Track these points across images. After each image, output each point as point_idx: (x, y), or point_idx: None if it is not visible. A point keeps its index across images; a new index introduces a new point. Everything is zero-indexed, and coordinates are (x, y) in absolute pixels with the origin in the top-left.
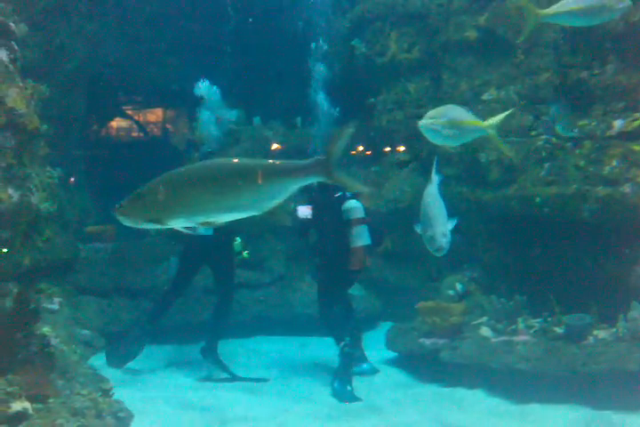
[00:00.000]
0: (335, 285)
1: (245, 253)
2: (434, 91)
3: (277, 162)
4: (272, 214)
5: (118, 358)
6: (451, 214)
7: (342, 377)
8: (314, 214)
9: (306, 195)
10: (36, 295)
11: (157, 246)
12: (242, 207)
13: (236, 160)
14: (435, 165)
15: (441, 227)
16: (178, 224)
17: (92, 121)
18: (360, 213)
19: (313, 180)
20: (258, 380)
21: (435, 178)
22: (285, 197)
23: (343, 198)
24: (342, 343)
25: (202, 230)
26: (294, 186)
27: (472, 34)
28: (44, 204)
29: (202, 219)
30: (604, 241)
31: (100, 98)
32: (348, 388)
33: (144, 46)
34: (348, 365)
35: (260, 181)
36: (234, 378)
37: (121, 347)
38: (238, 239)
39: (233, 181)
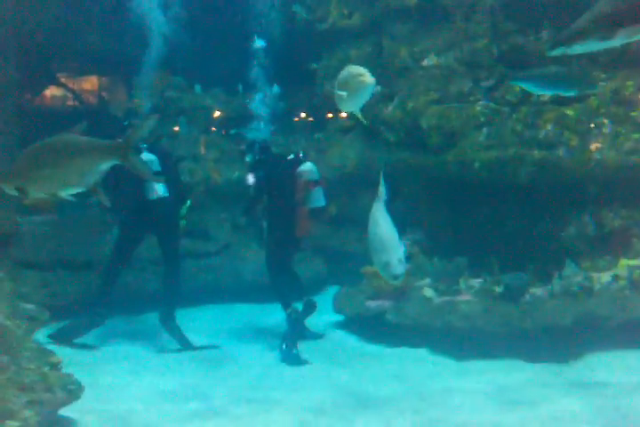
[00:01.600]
0: (284, 249)
1: (183, 221)
2: (375, 57)
3: (89, 142)
4: (95, 192)
5: (65, 336)
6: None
7: (289, 341)
8: (265, 179)
9: (256, 159)
10: None
11: (100, 217)
12: (66, 182)
13: (66, 137)
14: (382, 179)
15: (396, 252)
16: (36, 194)
17: (27, 90)
18: (315, 176)
19: (111, 162)
20: (209, 347)
21: (382, 193)
22: (95, 174)
23: (297, 161)
24: (289, 309)
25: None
26: (97, 166)
27: (412, 0)
28: None
29: (49, 190)
30: (539, 203)
31: (34, 65)
32: (294, 351)
33: (80, 9)
34: (294, 329)
35: (69, 160)
36: (187, 346)
37: (71, 330)
38: (186, 206)
39: (55, 158)
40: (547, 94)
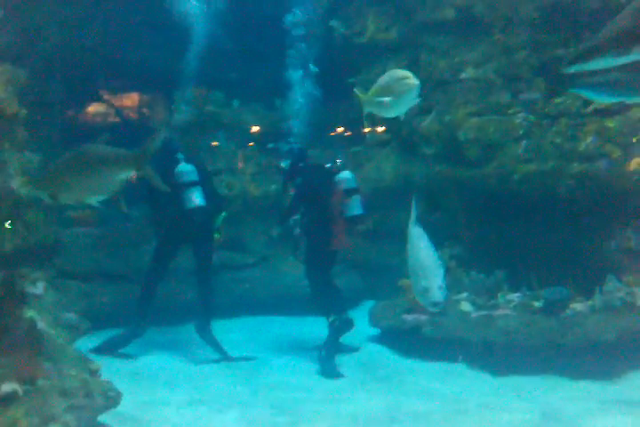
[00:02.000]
0: (323, 259)
1: (216, 234)
2: (413, 70)
3: (109, 152)
4: (115, 200)
5: (108, 348)
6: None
7: (329, 349)
8: (303, 187)
9: (294, 166)
10: (21, 280)
11: (140, 230)
12: (90, 190)
13: (90, 148)
14: (414, 202)
15: (436, 278)
16: (66, 201)
17: (71, 106)
18: (353, 184)
19: (129, 171)
20: (245, 358)
21: (415, 216)
22: (115, 183)
23: (335, 169)
24: (332, 317)
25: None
26: (116, 175)
27: (449, 13)
28: (24, 188)
29: (76, 198)
30: (579, 216)
31: (78, 82)
32: (333, 362)
33: (120, 29)
34: (336, 338)
35: (92, 169)
36: (223, 357)
37: (114, 343)
38: (222, 216)
39: (79, 167)
40: (589, 107)
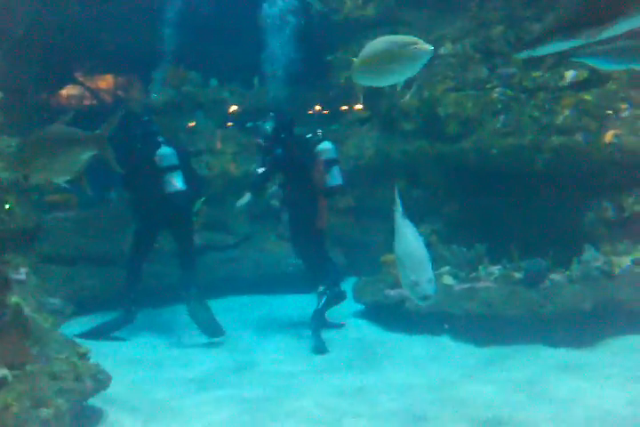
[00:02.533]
0: (307, 228)
1: (195, 218)
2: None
3: (71, 133)
4: (80, 180)
5: (96, 334)
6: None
7: (316, 325)
8: (283, 157)
9: (275, 138)
10: (3, 266)
11: (120, 213)
12: (56, 170)
13: (54, 129)
14: (397, 191)
15: (426, 270)
16: (36, 181)
17: (46, 88)
18: (333, 154)
19: (90, 152)
20: (232, 337)
21: (399, 205)
22: (78, 163)
23: (315, 140)
24: (321, 288)
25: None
26: (79, 156)
27: None
28: (4, 173)
29: (45, 178)
30: (557, 189)
31: (52, 64)
32: (320, 339)
33: (95, 9)
34: (323, 310)
35: (57, 150)
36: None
37: (103, 329)
38: (201, 200)
39: (45, 149)
40: (566, 81)
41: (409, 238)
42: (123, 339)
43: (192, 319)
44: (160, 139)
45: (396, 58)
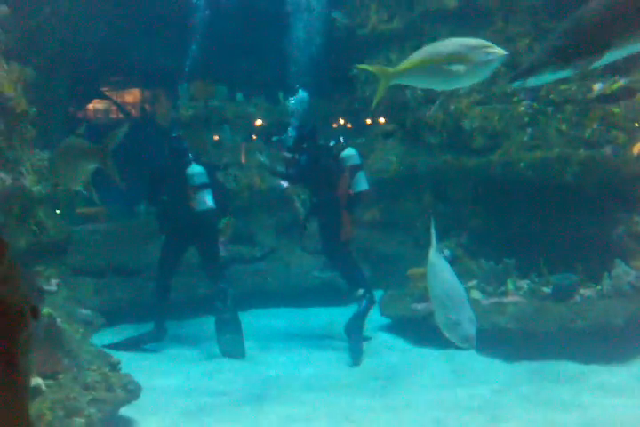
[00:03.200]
0: (340, 233)
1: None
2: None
3: (80, 145)
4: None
5: (126, 346)
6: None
7: (360, 322)
8: (308, 165)
9: (300, 144)
10: (35, 277)
11: (149, 226)
12: (71, 179)
13: (70, 141)
14: (433, 226)
15: (465, 309)
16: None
17: (76, 103)
18: (357, 160)
19: (94, 164)
20: (256, 350)
21: (434, 242)
22: (84, 174)
23: (339, 147)
24: (361, 291)
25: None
26: (84, 166)
27: (451, 2)
28: (36, 186)
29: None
30: (586, 202)
31: (82, 79)
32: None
33: (123, 26)
34: (364, 314)
35: (69, 161)
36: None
37: (134, 343)
38: (227, 219)
39: (63, 160)
40: (593, 94)
41: (446, 277)
42: (153, 350)
43: (216, 334)
44: (189, 156)
45: (465, 61)
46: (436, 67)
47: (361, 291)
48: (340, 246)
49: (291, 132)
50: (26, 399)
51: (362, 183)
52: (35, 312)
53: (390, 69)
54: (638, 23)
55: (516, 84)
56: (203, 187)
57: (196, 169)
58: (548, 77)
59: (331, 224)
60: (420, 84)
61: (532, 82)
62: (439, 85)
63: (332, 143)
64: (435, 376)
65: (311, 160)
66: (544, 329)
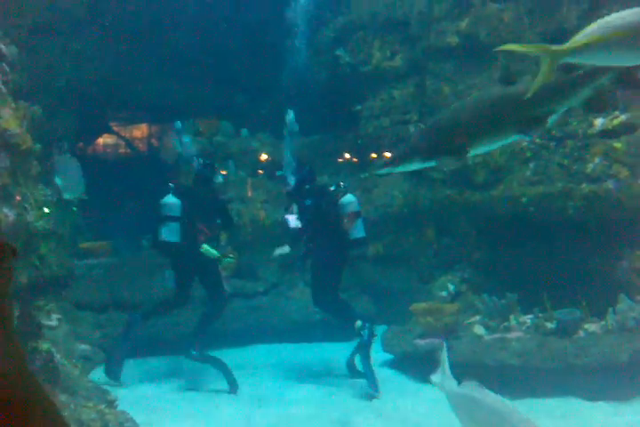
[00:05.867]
0: (331, 276)
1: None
2: (418, 96)
3: None
4: None
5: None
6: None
7: (364, 353)
8: (310, 211)
9: (296, 193)
10: (35, 312)
11: (151, 260)
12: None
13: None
14: (445, 354)
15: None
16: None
17: (82, 139)
18: (357, 207)
19: None
20: (254, 385)
21: (447, 367)
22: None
23: (339, 192)
24: (359, 323)
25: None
26: None
27: (453, 39)
28: (39, 222)
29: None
30: (589, 237)
31: (89, 115)
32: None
33: (128, 62)
34: (370, 340)
35: None
36: (233, 387)
37: (116, 356)
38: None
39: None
40: (595, 129)
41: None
42: (149, 385)
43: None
44: (171, 186)
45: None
46: (618, 41)
47: (359, 322)
48: (328, 293)
49: (287, 172)
50: (10, 325)
51: (360, 230)
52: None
53: (555, 47)
54: (489, 126)
55: (383, 171)
56: (170, 219)
57: (167, 200)
58: (415, 166)
59: (323, 270)
60: (598, 61)
61: (399, 169)
62: (622, 62)
63: (332, 187)
64: (437, 413)
65: (313, 204)
66: (548, 365)
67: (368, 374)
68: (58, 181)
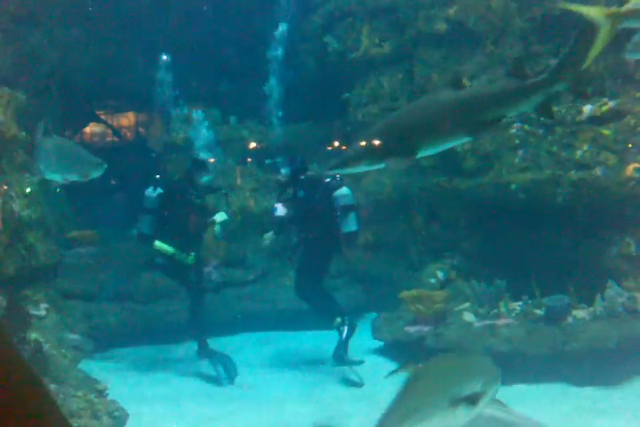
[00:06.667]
0: (317, 269)
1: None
2: (407, 83)
3: None
4: None
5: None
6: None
7: (342, 349)
8: (299, 202)
9: (294, 180)
10: (23, 302)
11: (140, 249)
12: None
13: None
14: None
15: None
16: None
17: (67, 127)
18: (351, 200)
19: None
20: (247, 375)
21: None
22: None
23: (335, 184)
24: (339, 319)
25: None
26: None
27: (442, 26)
28: (26, 211)
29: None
30: (578, 224)
31: (74, 104)
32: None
33: (114, 50)
34: (348, 336)
35: None
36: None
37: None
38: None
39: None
40: (583, 116)
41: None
42: (136, 376)
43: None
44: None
45: None
46: None
47: (338, 319)
48: (311, 283)
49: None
50: None
51: (352, 224)
52: None
53: (616, 9)
54: (437, 129)
55: (334, 171)
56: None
57: (148, 193)
58: (364, 168)
59: (310, 260)
60: None
61: (349, 170)
62: None
63: (327, 180)
64: None
65: (307, 195)
66: (536, 352)
67: (350, 364)
68: (41, 162)
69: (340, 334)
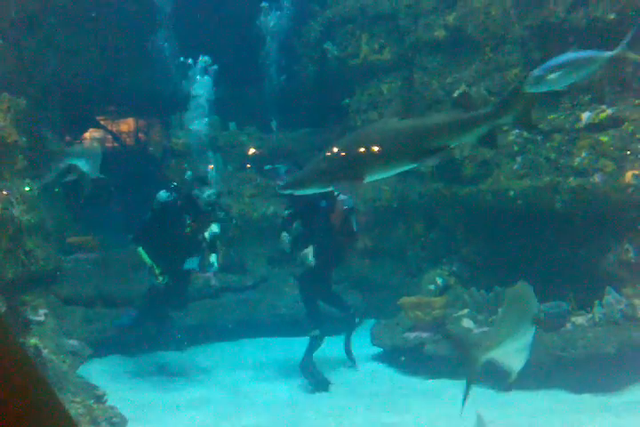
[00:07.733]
0: (320, 272)
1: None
2: (406, 90)
3: None
4: None
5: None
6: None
7: (306, 362)
8: (305, 203)
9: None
10: (22, 307)
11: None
12: None
13: None
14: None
15: None
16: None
17: (68, 132)
18: (350, 204)
19: None
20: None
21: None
22: None
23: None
24: (315, 332)
25: None
26: None
27: (441, 33)
28: (25, 216)
29: None
30: (576, 230)
31: (75, 108)
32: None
33: (115, 55)
34: (311, 350)
35: None
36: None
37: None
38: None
39: None
40: (582, 123)
41: None
42: (135, 381)
43: None
44: (172, 185)
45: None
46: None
47: (316, 332)
48: (314, 286)
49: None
50: None
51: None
52: None
53: None
54: (382, 156)
55: (287, 192)
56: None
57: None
58: (313, 190)
59: (318, 257)
60: None
61: (300, 192)
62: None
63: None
64: (425, 405)
65: (310, 197)
66: (535, 357)
67: (309, 375)
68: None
69: (312, 345)
